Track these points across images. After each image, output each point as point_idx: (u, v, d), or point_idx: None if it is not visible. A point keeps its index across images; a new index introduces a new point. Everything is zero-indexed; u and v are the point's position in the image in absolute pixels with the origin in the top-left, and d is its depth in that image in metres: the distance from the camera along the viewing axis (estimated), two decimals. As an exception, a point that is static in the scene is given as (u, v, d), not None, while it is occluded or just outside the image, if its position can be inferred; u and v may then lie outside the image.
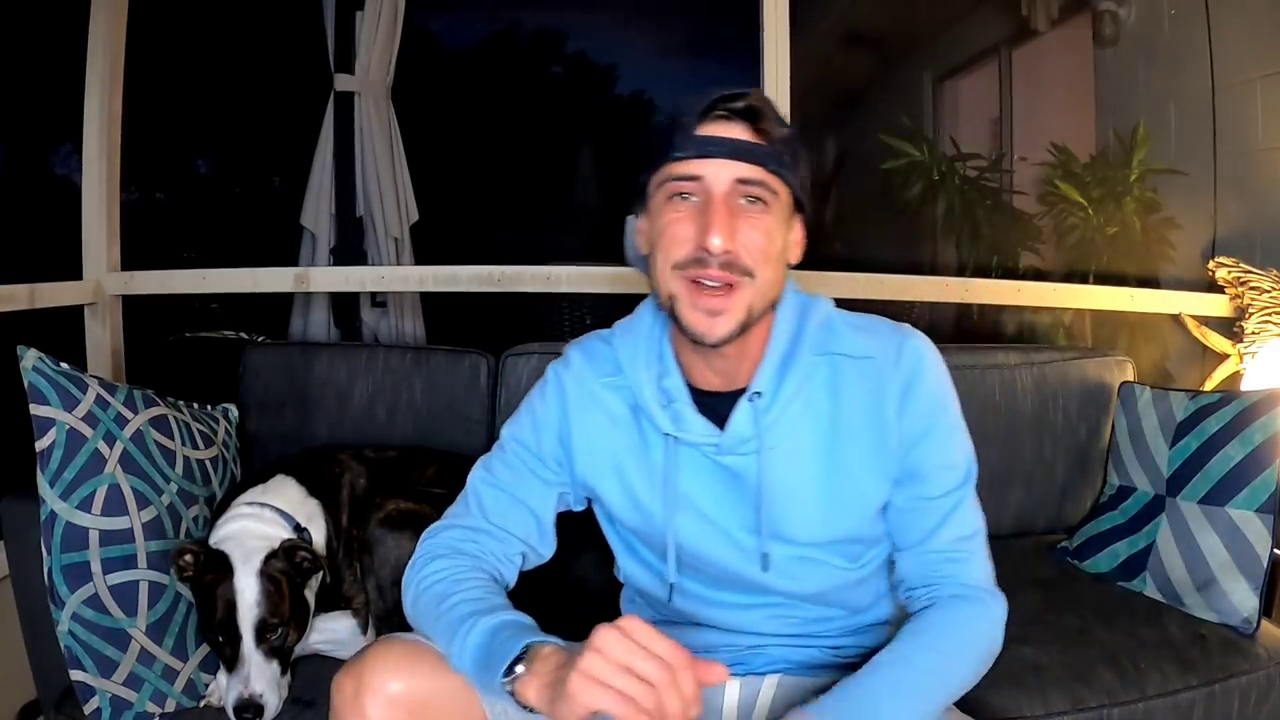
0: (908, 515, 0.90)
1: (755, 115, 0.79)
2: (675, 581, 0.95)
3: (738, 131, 0.78)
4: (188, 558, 1.16)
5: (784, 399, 0.87)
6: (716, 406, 0.88)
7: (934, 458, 0.88)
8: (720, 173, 0.78)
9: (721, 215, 0.77)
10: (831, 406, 0.88)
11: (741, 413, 0.87)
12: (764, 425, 0.86)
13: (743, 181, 0.78)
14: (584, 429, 0.94)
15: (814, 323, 0.89)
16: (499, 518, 0.94)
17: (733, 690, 0.96)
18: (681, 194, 0.80)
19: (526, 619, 0.81)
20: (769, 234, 0.80)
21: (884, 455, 0.88)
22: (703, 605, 0.97)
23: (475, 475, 0.98)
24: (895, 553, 0.93)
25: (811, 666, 0.97)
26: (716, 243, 0.77)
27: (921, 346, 0.89)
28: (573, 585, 1.37)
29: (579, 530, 1.05)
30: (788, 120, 0.84)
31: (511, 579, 0.94)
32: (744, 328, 0.82)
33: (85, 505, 1.12)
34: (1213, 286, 2.12)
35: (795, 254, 0.88)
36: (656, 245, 0.83)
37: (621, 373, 0.92)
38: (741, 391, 0.88)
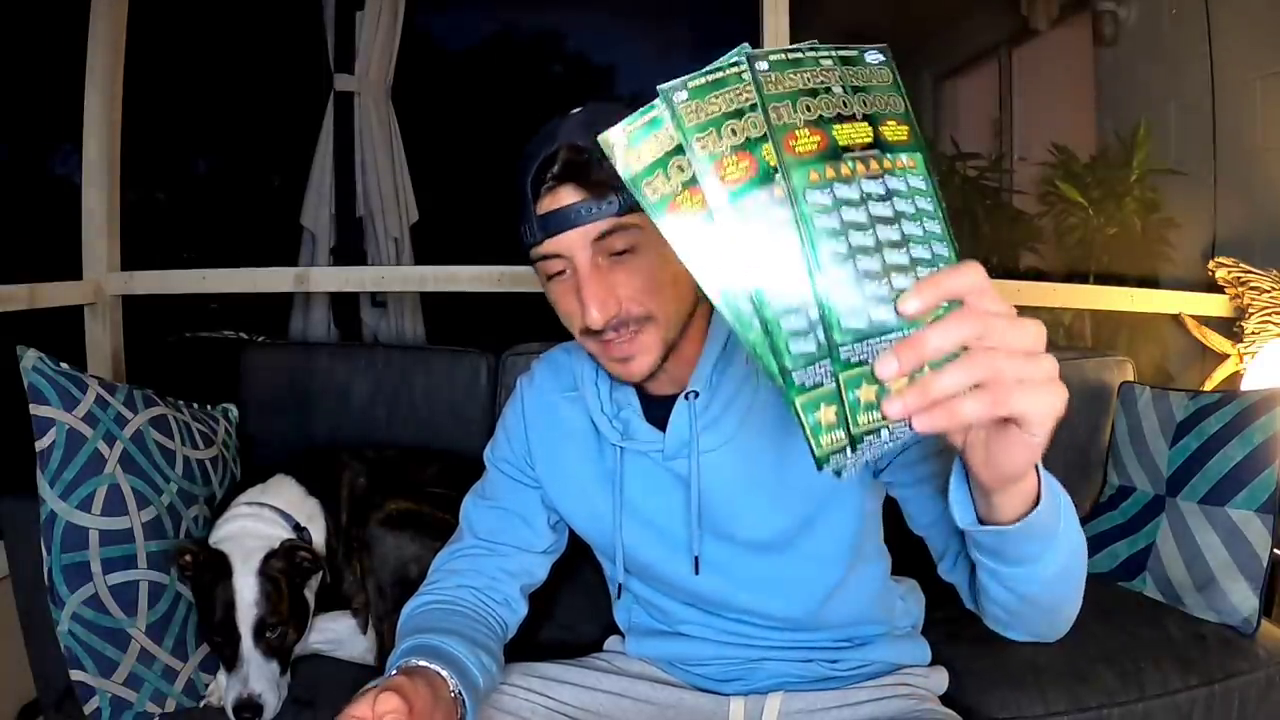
0: (917, 484, 0.82)
1: (577, 170, 0.74)
2: (629, 583, 0.99)
3: (569, 196, 0.74)
4: (187, 558, 1.17)
5: (724, 397, 0.86)
6: (669, 412, 0.88)
7: None
8: (573, 242, 0.75)
9: (591, 287, 0.75)
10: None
11: (679, 414, 0.87)
12: (701, 425, 0.86)
13: (600, 238, 0.75)
14: (542, 442, 0.97)
15: None
16: (487, 532, 0.98)
17: (737, 709, 0.96)
18: (552, 274, 0.80)
19: (422, 641, 0.80)
20: (645, 270, 0.77)
21: None
22: (659, 613, 1.00)
23: (466, 502, 1.02)
24: (931, 533, 0.84)
25: (813, 680, 0.96)
26: (595, 316, 0.76)
27: None
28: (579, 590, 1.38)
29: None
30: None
31: (509, 587, 0.96)
32: (664, 357, 0.81)
33: (85, 505, 1.12)
34: (1213, 286, 2.12)
35: None
36: (558, 313, 0.83)
37: (578, 388, 0.94)
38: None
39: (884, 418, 0.47)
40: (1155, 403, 1.56)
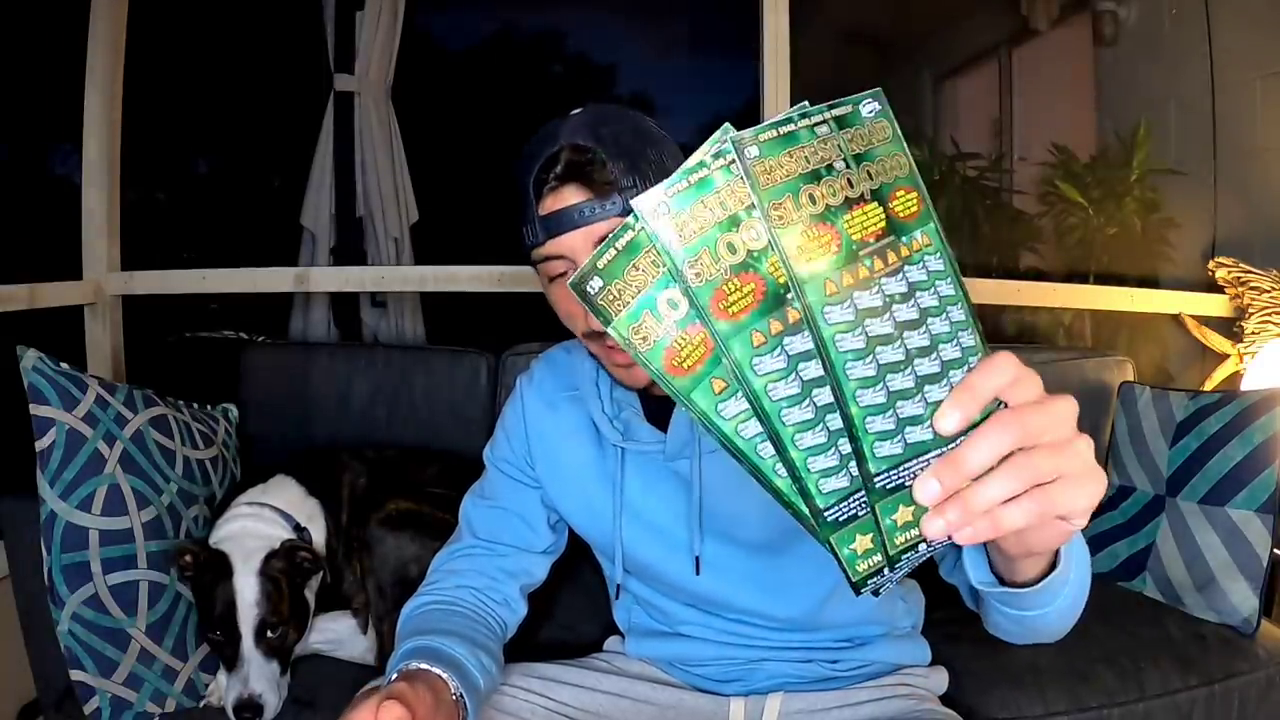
0: None
1: (580, 170, 0.73)
2: (630, 584, 0.98)
3: (573, 195, 0.73)
4: (188, 558, 1.17)
5: None
6: (671, 411, 0.88)
7: None
8: (576, 243, 0.74)
9: None
10: None
11: (682, 414, 0.86)
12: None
13: (603, 239, 0.75)
14: (542, 441, 0.97)
15: None
16: (487, 532, 0.98)
17: (738, 710, 0.96)
18: (554, 275, 0.79)
19: (423, 644, 0.80)
20: None
21: None
22: (659, 613, 1.00)
23: (465, 502, 1.02)
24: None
25: (813, 681, 0.97)
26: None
27: None
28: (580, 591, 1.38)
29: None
30: (625, 133, 0.75)
31: (509, 588, 0.96)
32: None
33: (85, 505, 1.12)
34: (1213, 286, 2.13)
35: None
36: (559, 315, 0.83)
37: (578, 387, 0.93)
38: None
39: (921, 535, 0.43)
40: (1155, 403, 1.56)
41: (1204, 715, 1.23)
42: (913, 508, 0.43)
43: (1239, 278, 2.03)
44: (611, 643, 1.09)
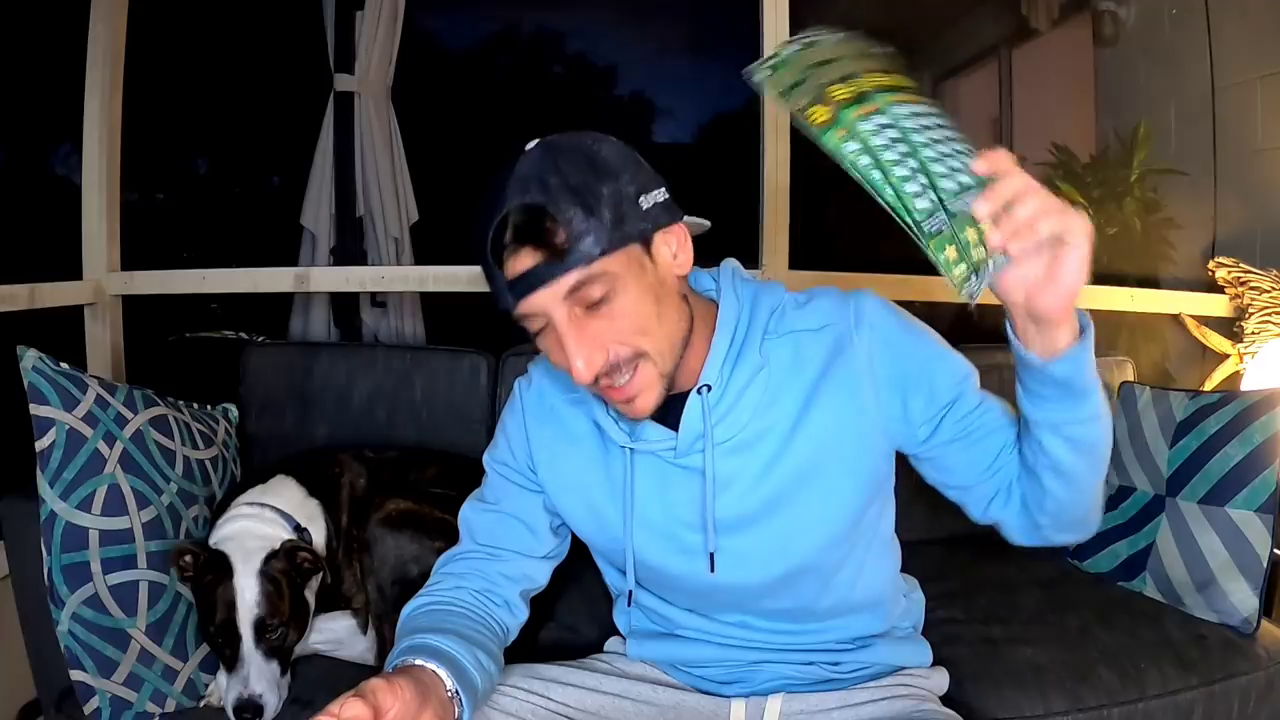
0: (968, 438, 0.87)
1: (532, 232, 0.73)
2: (634, 590, 0.97)
3: (529, 259, 0.74)
4: (188, 558, 1.17)
5: (736, 388, 0.86)
6: (678, 409, 0.87)
7: (947, 377, 0.87)
8: (545, 301, 0.75)
9: (573, 342, 0.76)
10: (798, 384, 0.87)
11: (693, 408, 0.86)
12: (715, 418, 0.86)
13: (572, 292, 0.75)
14: (544, 446, 0.96)
15: (764, 309, 0.88)
16: (487, 537, 0.97)
17: (738, 711, 0.96)
18: (537, 330, 0.80)
19: (420, 642, 0.80)
20: (627, 313, 0.77)
21: (865, 415, 0.86)
22: (659, 618, 0.99)
23: (464, 507, 1.01)
24: (982, 480, 0.88)
25: (814, 682, 0.96)
26: (582, 371, 0.76)
27: (875, 299, 0.89)
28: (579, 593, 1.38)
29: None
30: (575, 170, 0.75)
31: (509, 591, 0.95)
32: (668, 387, 0.82)
33: (85, 505, 1.12)
34: (1213, 286, 2.12)
35: (683, 262, 0.82)
36: (553, 364, 0.84)
37: (580, 389, 0.91)
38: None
39: (987, 251, 0.65)
40: (1155, 403, 1.56)
41: (1204, 715, 1.23)
42: (975, 230, 0.65)
43: (1239, 278, 2.03)
44: (612, 644, 1.08)
